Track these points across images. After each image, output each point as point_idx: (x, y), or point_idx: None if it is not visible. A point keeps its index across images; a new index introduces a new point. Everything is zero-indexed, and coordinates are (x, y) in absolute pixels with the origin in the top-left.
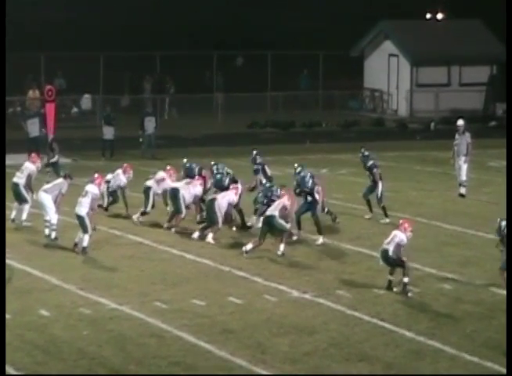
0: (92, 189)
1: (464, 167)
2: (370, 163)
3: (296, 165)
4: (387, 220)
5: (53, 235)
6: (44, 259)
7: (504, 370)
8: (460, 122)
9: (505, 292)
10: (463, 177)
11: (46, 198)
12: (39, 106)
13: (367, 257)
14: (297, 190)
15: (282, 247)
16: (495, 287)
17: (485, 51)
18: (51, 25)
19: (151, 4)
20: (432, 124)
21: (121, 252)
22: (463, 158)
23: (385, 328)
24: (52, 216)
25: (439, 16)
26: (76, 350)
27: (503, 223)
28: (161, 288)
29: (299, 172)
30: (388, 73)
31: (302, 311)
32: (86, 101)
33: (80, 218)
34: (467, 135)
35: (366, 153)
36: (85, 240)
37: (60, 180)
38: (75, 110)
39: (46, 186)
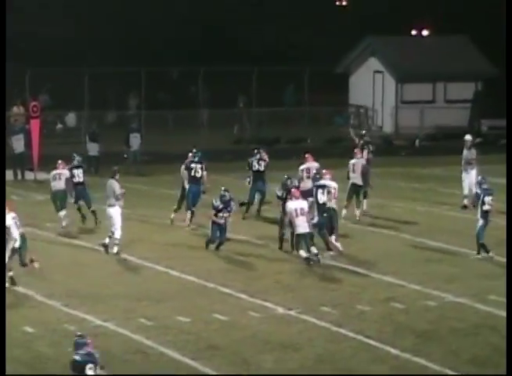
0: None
1: (472, 181)
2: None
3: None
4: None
5: (115, 249)
6: (27, 275)
7: None
8: (468, 137)
9: (488, 309)
10: (473, 190)
11: (115, 212)
12: (24, 122)
13: (351, 273)
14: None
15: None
16: (480, 304)
17: (470, 67)
18: (36, 40)
19: (137, 18)
20: (417, 141)
21: (106, 268)
22: (470, 172)
23: (370, 345)
24: (118, 231)
25: (424, 32)
26: (61, 367)
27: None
28: (146, 305)
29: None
30: (373, 89)
31: (287, 328)
32: (71, 119)
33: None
34: (473, 150)
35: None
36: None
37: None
38: (60, 126)
39: (110, 201)
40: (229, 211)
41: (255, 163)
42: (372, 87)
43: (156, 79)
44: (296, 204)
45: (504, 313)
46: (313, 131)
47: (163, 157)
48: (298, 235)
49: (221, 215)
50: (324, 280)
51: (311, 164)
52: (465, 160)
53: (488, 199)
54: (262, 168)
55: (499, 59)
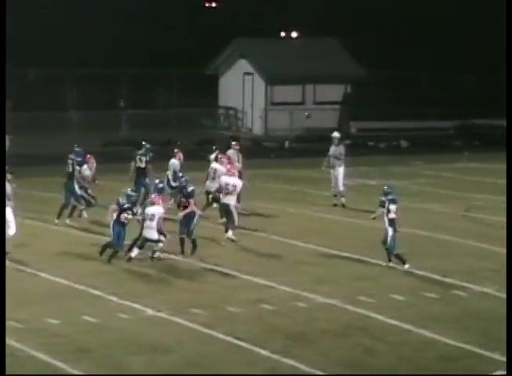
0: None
1: (340, 177)
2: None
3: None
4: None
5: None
6: None
7: None
8: (336, 134)
9: (358, 310)
10: (340, 187)
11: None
12: None
13: (221, 275)
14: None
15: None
16: (351, 306)
17: (340, 69)
18: None
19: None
20: (286, 143)
21: None
22: (338, 169)
23: (241, 347)
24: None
25: (294, 34)
26: None
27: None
28: (16, 307)
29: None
30: (243, 91)
31: (157, 329)
32: None
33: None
34: (341, 147)
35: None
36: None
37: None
38: None
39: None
40: (134, 214)
41: (137, 159)
42: (242, 89)
43: (26, 80)
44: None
45: (375, 315)
46: (182, 133)
47: (32, 159)
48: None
49: (125, 215)
50: (194, 282)
51: (218, 166)
52: (333, 157)
53: (393, 207)
54: (143, 165)
55: (368, 62)
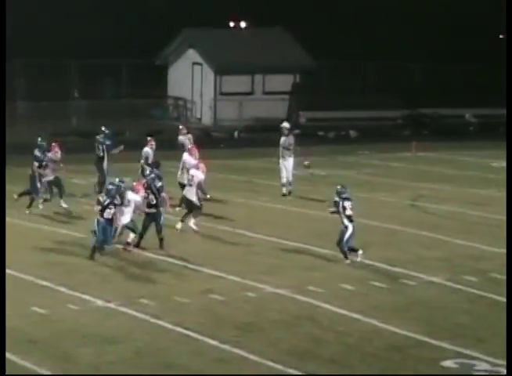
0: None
1: (290, 167)
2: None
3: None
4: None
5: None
6: None
7: None
8: (285, 124)
9: (307, 299)
10: (290, 178)
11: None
12: None
13: (171, 265)
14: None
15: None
16: (300, 295)
17: (289, 59)
18: None
19: None
20: (236, 133)
21: None
22: (288, 159)
23: (190, 336)
24: None
25: (242, 24)
26: None
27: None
28: None
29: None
30: (192, 81)
31: (106, 320)
32: None
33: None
34: (291, 137)
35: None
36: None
37: None
38: None
39: None
40: (116, 204)
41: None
42: (191, 79)
43: None
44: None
45: (324, 304)
46: (132, 124)
47: None
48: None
49: (108, 211)
50: (143, 273)
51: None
52: (283, 147)
53: (347, 203)
54: (101, 153)
55: (317, 52)
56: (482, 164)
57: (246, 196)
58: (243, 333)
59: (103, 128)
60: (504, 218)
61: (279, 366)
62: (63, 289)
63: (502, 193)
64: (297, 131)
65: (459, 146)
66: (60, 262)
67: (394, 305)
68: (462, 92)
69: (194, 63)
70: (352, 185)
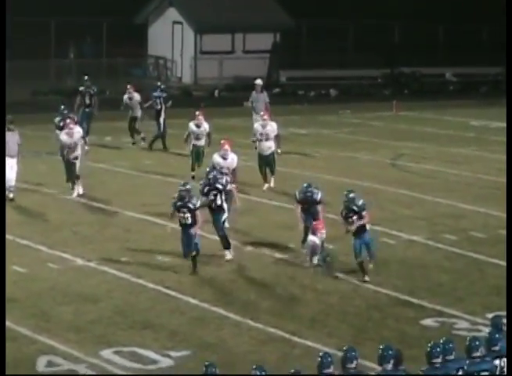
0: None
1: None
2: None
3: None
4: None
5: None
6: None
7: (287, 336)
8: (258, 81)
9: (285, 257)
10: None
11: None
12: None
13: (152, 224)
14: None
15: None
16: (279, 253)
17: (269, 18)
18: None
19: None
20: (216, 92)
21: None
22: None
23: (170, 295)
24: None
25: None
26: None
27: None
28: None
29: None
30: (172, 40)
31: (86, 279)
32: None
33: None
34: (265, 94)
35: None
36: None
37: None
38: None
39: None
40: (191, 210)
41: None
42: (171, 38)
43: None
44: None
45: (304, 263)
46: (111, 83)
47: None
48: None
49: (181, 215)
50: (123, 232)
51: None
52: (255, 102)
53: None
54: (159, 106)
55: (298, 11)
56: (462, 123)
57: None
58: (222, 292)
59: (159, 83)
60: (485, 177)
61: (259, 325)
62: (42, 248)
63: (483, 152)
64: (277, 89)
65: (439, 105)
66: (38, 221)
67: (375, 263)
68: (443, 51)
69: (174, 22)
70: (333, 144)
